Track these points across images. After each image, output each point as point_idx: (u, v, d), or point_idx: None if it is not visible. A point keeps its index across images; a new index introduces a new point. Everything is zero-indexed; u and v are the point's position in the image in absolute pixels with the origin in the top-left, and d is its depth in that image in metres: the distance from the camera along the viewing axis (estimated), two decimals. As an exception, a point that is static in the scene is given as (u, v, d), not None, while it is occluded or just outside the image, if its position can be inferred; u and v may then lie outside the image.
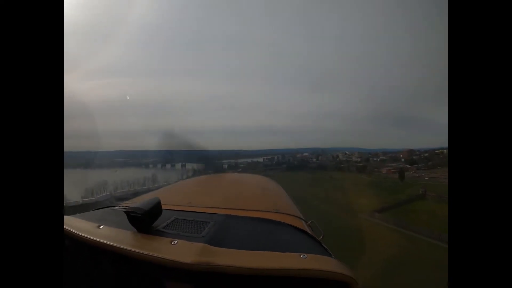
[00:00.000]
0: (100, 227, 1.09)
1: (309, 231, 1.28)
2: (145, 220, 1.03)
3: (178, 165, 58.73)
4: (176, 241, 0.95)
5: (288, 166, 58.45)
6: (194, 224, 1.15)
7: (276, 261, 0.85)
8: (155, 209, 1.08)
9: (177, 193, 2.03)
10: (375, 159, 56.46)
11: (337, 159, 59.73)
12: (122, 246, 0.93)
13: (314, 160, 60.62)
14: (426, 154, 52.38)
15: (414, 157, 52.61)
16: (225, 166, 57.11)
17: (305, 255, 0.87)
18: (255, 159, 62.65)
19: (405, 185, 39.48)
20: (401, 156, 54.59)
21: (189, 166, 56.25)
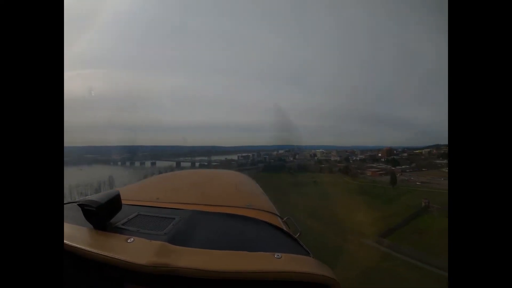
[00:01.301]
0: None
1: (285, 228, 1.19)
2: (100, 215, 0.94)
3: (148, 163, 53.50)
4: (132, 239, 0.87)
5: (266, 165, 52.86)
6: (157, 220, 1.05)
7: (246, 262, 0.77)
8: (113, 203, 0.98)
9: (145, 188, 1.87)
10: (354, 158, 53.53)
11: (315, 157, 56.02)
12: (73, 244, 0.85)
13: (291, 159, 56.11)
14: (405, 154, 50.43)
15: (394, 157, 50.23)
16: (197, 164, 52.47)
17: (280, 254, 0.81)
18: (229, 157, 56.68)
19: (399, 191, 35.93)
20: (379, 155, 52.18)
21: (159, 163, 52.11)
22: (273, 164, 53.72)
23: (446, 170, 40.68)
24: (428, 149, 48.38)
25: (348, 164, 50.94)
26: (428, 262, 20.01)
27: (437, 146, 48.23)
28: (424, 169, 44.47)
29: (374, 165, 49.06)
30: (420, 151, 49.41)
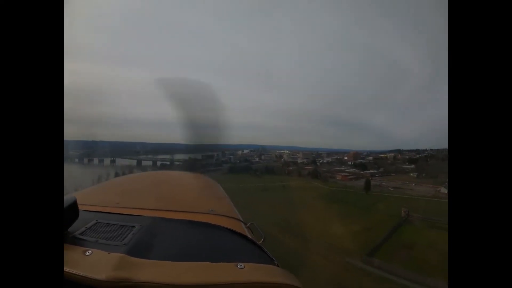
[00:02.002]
0: None
1: (248, 235, 1.19)
2: None
3: (107, 160, 46.82)
4: (90, 251, 0.82)
5: (231, 166, 47.87)
6: (117, 229, 1.01)
7: (208, 275, 0.75)
8: (70, 211, 0.92)
9: (104, 192, 1.79)
10: (321, 160, 51.56)
11: (282, 159, 52.87)
12: None
13: (257, 159, 52.11)
14: (370, 158, 49.74)
15: (361, 160, 49.16)
16: (159, 163, 47.43)
17: (242, 264, 0.79)
18: (193, 156, 50.62)
19: (374, 198, 33.82)
20: (345, 158, 50.88)
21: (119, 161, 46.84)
22: (239, 165, 48.91)
23: (414, 175, 40.23)
24: (392, 154, 48.29)
25: (316, 167, 48.52)
26: (427, 285, 17.11)
27: (400, 151, 48.48)
28: (392, 174, 43.48)
29: (343, 168, 47.22)
30: (385, 155, 49.05)
